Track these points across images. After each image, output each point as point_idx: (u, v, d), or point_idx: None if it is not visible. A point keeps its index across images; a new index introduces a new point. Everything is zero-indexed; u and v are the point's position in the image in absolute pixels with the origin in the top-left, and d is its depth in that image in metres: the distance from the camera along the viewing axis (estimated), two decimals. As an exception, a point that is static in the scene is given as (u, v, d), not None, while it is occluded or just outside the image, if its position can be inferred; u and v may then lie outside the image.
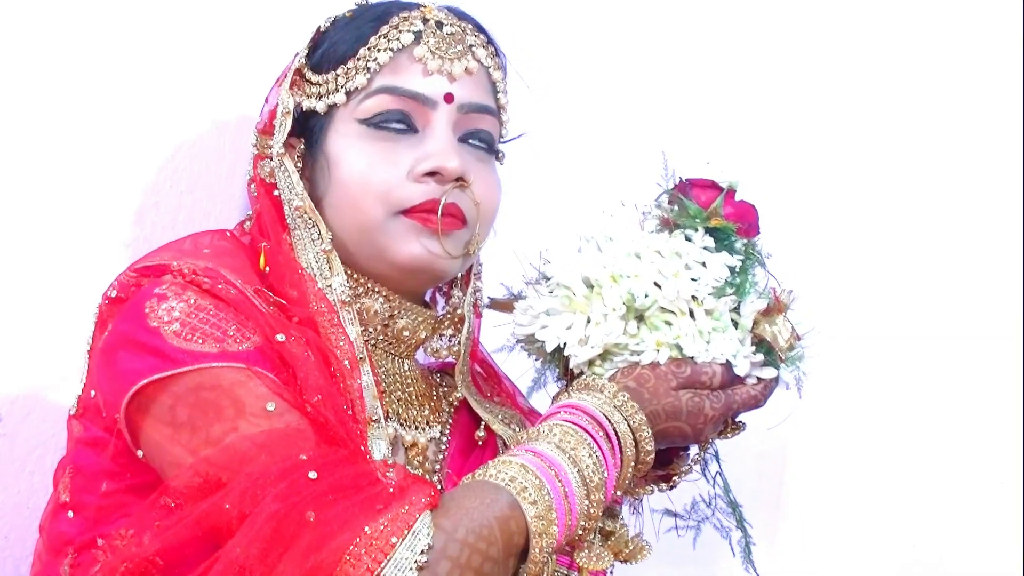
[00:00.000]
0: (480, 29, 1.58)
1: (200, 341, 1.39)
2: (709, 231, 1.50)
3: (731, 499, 1.58)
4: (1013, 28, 2.64)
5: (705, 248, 1.49)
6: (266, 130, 1.58)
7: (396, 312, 1.57)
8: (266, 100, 1.61)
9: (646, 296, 1.45)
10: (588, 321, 1.47)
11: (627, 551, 1.50)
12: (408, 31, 1.53)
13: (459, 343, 1.66)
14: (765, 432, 1.70)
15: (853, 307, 2.45)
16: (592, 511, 1.38)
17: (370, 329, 1.57)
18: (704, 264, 1.47)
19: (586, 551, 1.45)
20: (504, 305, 1.58)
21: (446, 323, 1.68)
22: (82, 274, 1.80)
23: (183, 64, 2.05)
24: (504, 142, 1.64)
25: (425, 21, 1.54)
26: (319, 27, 1.58)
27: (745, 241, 1.50)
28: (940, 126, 2.59)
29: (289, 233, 1.54)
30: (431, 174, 1.51)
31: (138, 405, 1.39)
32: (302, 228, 1.53)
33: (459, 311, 1.67)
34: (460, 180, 1.52)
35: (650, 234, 1.50)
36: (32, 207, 1.91)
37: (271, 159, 1.56)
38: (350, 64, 1.54)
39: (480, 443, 1.65)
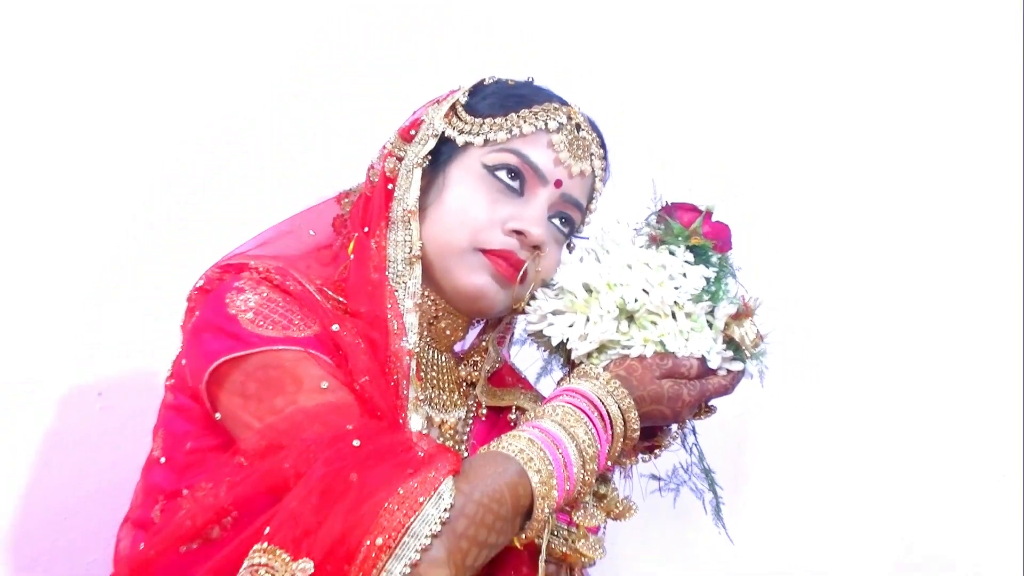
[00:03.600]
0: (603, 145, 1.61)
1: (269, 328, 1.41)
2: (689, 247, 1.51)
3: (705, 467, 1.58)
4: (1013, 33, 2.52)
5: (686, 261, 1.50)
6: (404, 135, 1.58)
7: (440, 315, 1.58)
8: (414, 111, 1.62)
9: (636, 301, 1.47)
10: (587, 320, 1.49)
11: (617, 510, 1.53)
12: (555, 120, 1.55)
13: (482, 372, 1.67)
14: (733, 416, 1.69)
15: (836, 298, 2.41)
16: (587, 478, 1.40)
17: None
18: (685, 275, 1.49)
19: (582, 511, 1.48)
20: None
21: (473, 354, 1.69)
22: (165, 275, 1.88)
23: (175, 67, 2.04)
24: (576, 237, 1.65)
25: (569, 119, 1.57)
26: (483, 80, 1.61)
27: (719, 256, 1.51)
28: (924, 126, 2.49)
29: (387, 225, 1.53)
30: (519, 232, 1.52)
31: (216, 379, 1.41)
32: (400, 227, 1.53)
33: (484, 343, 1.69)
34: (537, 248, 1.53)
35: (640, 248, 1.51)
36: (115, 211, 1.96)
37: (399, 159, 1.56)
38: (498, 120, 1.54)
39: (513, 424, 1.63)
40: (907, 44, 2.51)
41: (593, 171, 1.58)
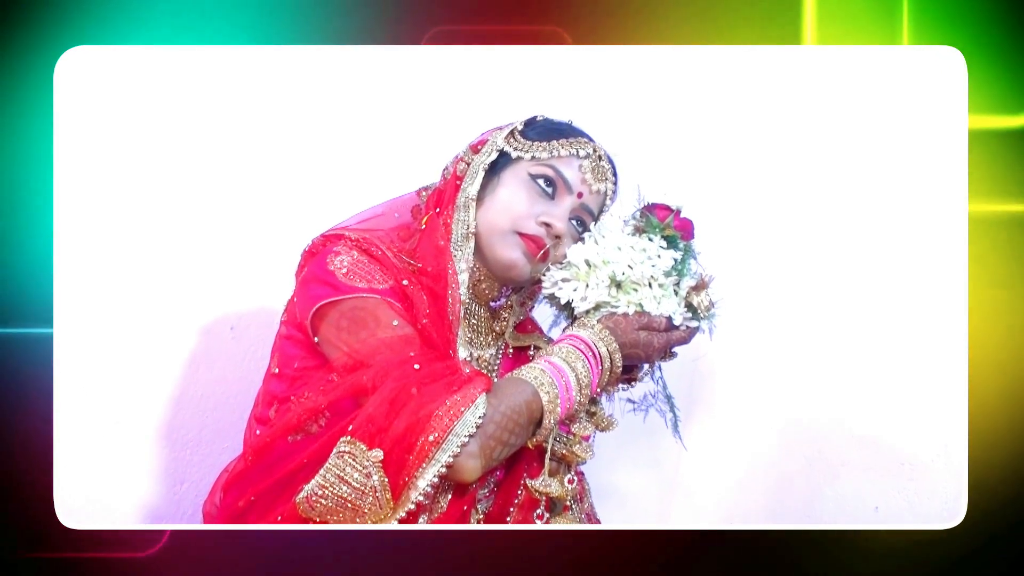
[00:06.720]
0: (615, 174, 1.60)
1: (358, 280, 1.44)
2: (663, 236, 1.52)
3: (667, 394, 1.61)
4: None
5: (660, 246, 1.52)
6: (473, 149, 1.58)
7: (483, 278, 1.59)
8: (482, 133, 1.60)
9: (623, 273, 1.50)
10: (587, 286, 1.51)
11: (603, 424, 1.57)
12: (584, 150, 1.56)
13: (510, 323, 1.65)
14: (689, 359, 1.71)
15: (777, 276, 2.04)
16: (582, 400, 1.45)
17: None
18: (659, 256, 1.51)
19: (578, 423, 1.52)
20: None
21: (504, 309, 1.66)
22: (279, 247, 1.76)
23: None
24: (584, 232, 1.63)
25: (594, 151, 1.57)
26: (536, 116, 1.60)
27: (685, 243, 1.54)
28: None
29: (453, 209, 1.53)
30: (547, 224, 1.53)
31: (318, 316, 1.46)
32: (462, 211, 1.52)
33: (511, 302, 1.67)
34: (558, 238, 1.54)
35: (627, 236, 1.53)
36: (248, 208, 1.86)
37: (467, 164, 1.55)
38: (543, 144, 1.55)
39: (531, 359, 1.64)
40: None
41: (606, 191, 1.58)
